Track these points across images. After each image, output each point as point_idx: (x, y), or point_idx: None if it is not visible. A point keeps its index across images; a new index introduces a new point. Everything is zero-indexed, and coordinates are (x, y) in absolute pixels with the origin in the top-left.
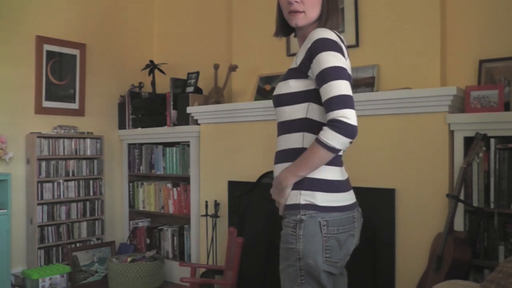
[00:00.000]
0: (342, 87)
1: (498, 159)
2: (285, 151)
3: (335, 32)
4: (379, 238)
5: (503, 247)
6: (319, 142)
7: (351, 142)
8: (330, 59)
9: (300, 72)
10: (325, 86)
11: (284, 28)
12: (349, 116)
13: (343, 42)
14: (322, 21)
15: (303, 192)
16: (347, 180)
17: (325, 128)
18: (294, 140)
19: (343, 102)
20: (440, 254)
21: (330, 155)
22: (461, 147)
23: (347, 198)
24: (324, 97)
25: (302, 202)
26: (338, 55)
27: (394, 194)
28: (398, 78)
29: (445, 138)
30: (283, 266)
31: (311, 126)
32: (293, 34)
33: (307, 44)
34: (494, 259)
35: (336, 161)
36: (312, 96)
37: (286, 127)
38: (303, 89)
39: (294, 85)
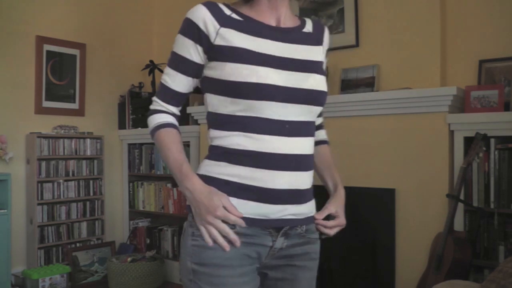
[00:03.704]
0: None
1: (498, 159)
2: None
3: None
4: (379, 238)
5: (503, 247)
6: None
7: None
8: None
9: None
10: None
11: None
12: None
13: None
14: None
15: None
16: None
17: None
18: None
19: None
20: (440, 254)
21: None
22: (461, 147)
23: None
24: None
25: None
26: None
27: (394, 194)
28: (398, 78)
29: (445, 138)
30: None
31: None
32: None
33: None
34: (494, 259)
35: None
36: None
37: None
38: None
39: None
